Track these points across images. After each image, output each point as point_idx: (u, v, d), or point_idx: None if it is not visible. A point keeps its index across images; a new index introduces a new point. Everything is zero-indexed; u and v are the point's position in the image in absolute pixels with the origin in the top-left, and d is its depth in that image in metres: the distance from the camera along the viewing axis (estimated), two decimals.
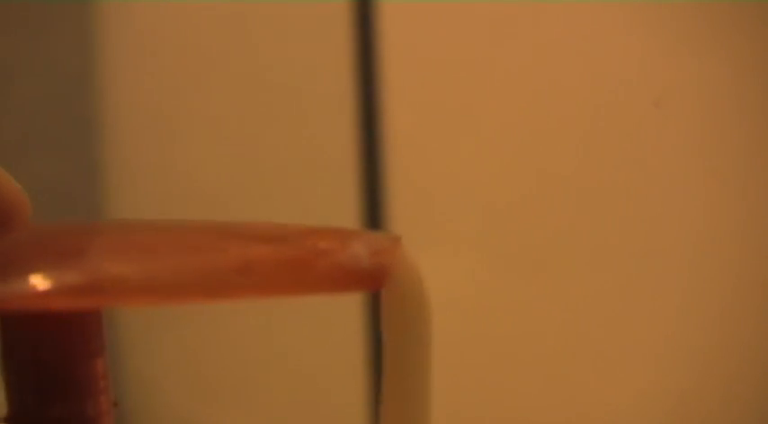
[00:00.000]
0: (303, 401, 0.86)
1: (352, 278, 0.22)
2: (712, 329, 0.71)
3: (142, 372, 0.89)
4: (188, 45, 0.86)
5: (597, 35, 0.68)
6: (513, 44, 0.73)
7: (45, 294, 0.20)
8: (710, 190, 0.67)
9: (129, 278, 0.21)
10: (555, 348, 0.76)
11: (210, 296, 0.22)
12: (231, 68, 0.85)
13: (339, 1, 0.79)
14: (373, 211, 0.80)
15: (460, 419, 0.80)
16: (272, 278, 0.22)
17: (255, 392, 0.87)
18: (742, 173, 0.65)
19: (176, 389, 0.89)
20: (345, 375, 0.83)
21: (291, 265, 0.22)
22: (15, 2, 0.84)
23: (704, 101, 0.65)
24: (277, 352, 0.87)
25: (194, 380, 0.88)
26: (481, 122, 0.76)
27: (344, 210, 0.81)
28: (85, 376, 0.25)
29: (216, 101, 0.86)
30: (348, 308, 0.83)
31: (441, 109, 0.77)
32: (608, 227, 0.72)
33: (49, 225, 0.24)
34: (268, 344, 0.87)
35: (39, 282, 0.20)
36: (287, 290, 0.22)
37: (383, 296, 0.23)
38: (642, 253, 0.71)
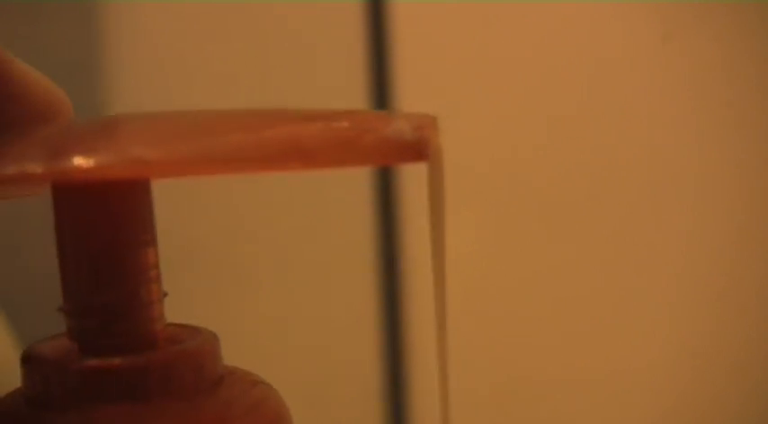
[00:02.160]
0: (331, 375, 0.88)
1: (398, 151, 0.24)
2: (721, 282, 0.72)
3: None
4: (193, 39, 0.87)
5: None
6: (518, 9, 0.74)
7: (101, 166, 0.21)
8: (721, 127, 0.68)
9: (184, 148, 0.22)
10: (559, 305, 0.78)
11: (264, 167, 0.23)
12: (238, 64, 0.86)
13: (352, 1, 0.80)
14: (387, 188, 0.81)
15: (469, 378, 0.81)
16: (322, 150, 0.23)
17: (284, 370, 0.88)
18: (754, 110, 0.66)
19: None
20: (367, 349, 0.84)
21: (340, 139, 0.23)
22: None
23: (713, 35, 0.66)
24: (304, 331, 0.89)
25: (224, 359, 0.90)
26: (488, 88, 0.77)
27: (361, 207, 0.83)
28: (138, 264, 0.26)
29: (221, 96, 0.87)
30: (357, 274, 0.84)
31: (447, 87, 0.78)
32: (615, 176, 0.73)
33: (93, 117, 0.26)
34: (295, 323, 0.88)
35: (95, 154, 0.21)
36: (336, 162, 0.24)
37: (428, 167, 0.24)
38: (649, 200, 0.72)
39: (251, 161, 0.22)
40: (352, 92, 0.81)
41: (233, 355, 0.91)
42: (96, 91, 0.88)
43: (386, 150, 0.23)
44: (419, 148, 0.23)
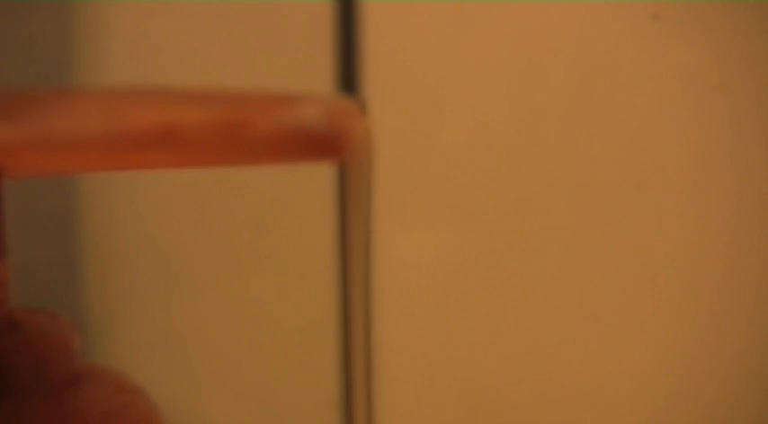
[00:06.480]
0: (286, 380, 0.83)
1: (301, 144, 0.18)
2: (712, 286, 0.68)
3: (119, 355, 0.86)
4: (170, 40, 0.84)
5: None
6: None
7: None
8: (713, 117, 0.63)
9: (19, 135, 0.16)
10: (533, 320, 0.73)
11: (124, 164, 0.17)
12: (212, 65, 0.82)
13: (323, 0, 0.76)
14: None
15: (443, 392, 0.77)
16: (200, 142, 0.17)
17: (237, 374, 0.84)
18: (747, 95, 0.63)
19: (155, 371, 0.87)
20: (324, 352, 0.80)
21: (225, 127, 0.18)
22: None
23: (706, 13, 0.62)
24: (259, 333, 0.84)
25: (174, 362, 0.86)
26: (457, 89, 0.72)
27: (322, 200, 0.79)
28: None
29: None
30: (328, 290, 0.80)
31: (419, 84, 0.74)
32: (600, 173, 0.68)
33: None
34: (249, 324, 0.84)
35: None
36: (219, 158, 0.18)
37: (343, 169, 0.19)
38: (636, 196, 0.68)
39: (103, 149, 0.17)
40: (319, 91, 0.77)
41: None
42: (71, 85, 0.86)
43: (285, 142, 0.18)
44: (331, 142, 0.18)
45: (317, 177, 0.77)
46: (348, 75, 0.75)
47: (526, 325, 0.73)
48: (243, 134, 0.18)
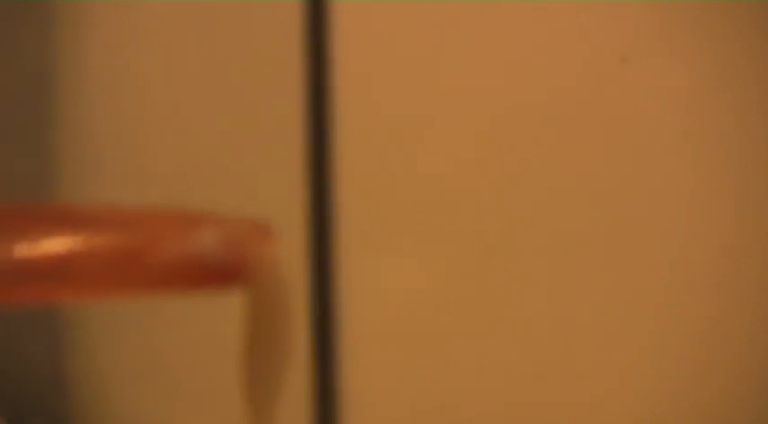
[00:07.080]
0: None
1: (197, 274, 0.17)
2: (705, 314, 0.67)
3: (104, 373, 0.84)
4: (152, 45, 0.84)
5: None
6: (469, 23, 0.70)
7: None
8: (684, 153, 0.64)
9: None
10: (518, 343, 0.72)
11: (12, 299, 0.16)
12: (188, 68, 0.82)
13: (291, 0, 0.76)
14: (322, 211, 0.76)
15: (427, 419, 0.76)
16: (87, 273, 0.16)
17: (220, 393, 0.82)
18: (717, 132, 0.63)
19: (139, 390, 0.85)
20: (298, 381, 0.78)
21: (114, 257, 0.16)
22: None
23: (674, 55, 0.63)
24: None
25: (158, 381, 0.84)
26: (436, 107, 0.72)
27: (292, 212, 0.78)
28: None
29: (173, 105, 0.83)
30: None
31: (393, 106, 0.73)
32: (573, 208, 0.68)
33: None
34: (232, 345, 0.82)
35: None
36: (108, 290, 0.17)
37: (245, 298, 0.17)
38: (611, 234, 0.67)
39: None
40: (288, 96, 0.76)
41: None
42: (56, 96, 0.86)
43: (180, 272, 0.16)
44: (230, 270, 0.17)
45: (292, 221, 0.76)
46: (318, 75, 0.74)
47: (510, 352, 0.71)
48: (136, 264, 0.16)
